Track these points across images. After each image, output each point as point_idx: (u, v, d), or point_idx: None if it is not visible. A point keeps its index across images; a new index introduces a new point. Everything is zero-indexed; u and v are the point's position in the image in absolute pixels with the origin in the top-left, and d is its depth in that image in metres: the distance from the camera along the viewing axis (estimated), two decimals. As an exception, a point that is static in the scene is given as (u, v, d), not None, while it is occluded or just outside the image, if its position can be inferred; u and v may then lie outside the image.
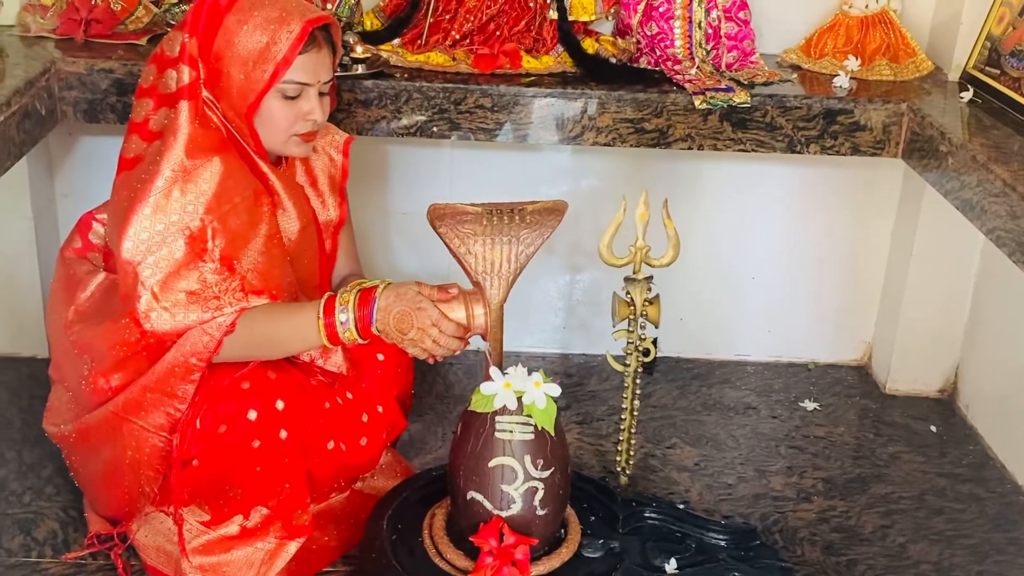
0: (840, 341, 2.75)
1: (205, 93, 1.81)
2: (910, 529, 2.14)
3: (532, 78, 2.23)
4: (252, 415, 1.79)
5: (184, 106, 1.79)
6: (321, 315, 1.79)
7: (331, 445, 1.94)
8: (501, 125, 2.19)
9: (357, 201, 2.55)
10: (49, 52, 2.16)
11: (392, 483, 2.07)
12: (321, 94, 1.88)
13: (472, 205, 1.80)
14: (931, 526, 2.16)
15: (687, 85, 2.20)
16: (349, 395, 1.98)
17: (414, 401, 2.39)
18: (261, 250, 1.81)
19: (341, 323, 1.79)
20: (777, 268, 2.69)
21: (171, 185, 1.75)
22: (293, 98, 1.84)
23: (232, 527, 1.85)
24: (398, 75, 2.20)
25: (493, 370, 1.75)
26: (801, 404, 2.57)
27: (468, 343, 1.87)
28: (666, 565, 1.82)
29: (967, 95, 2.20)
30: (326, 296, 1.81)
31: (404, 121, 2.16)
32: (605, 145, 2.22)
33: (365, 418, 1.99)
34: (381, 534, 1.86)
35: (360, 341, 1.81)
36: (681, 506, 2.00)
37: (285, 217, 1.91)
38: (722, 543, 1.90)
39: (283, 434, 1.81)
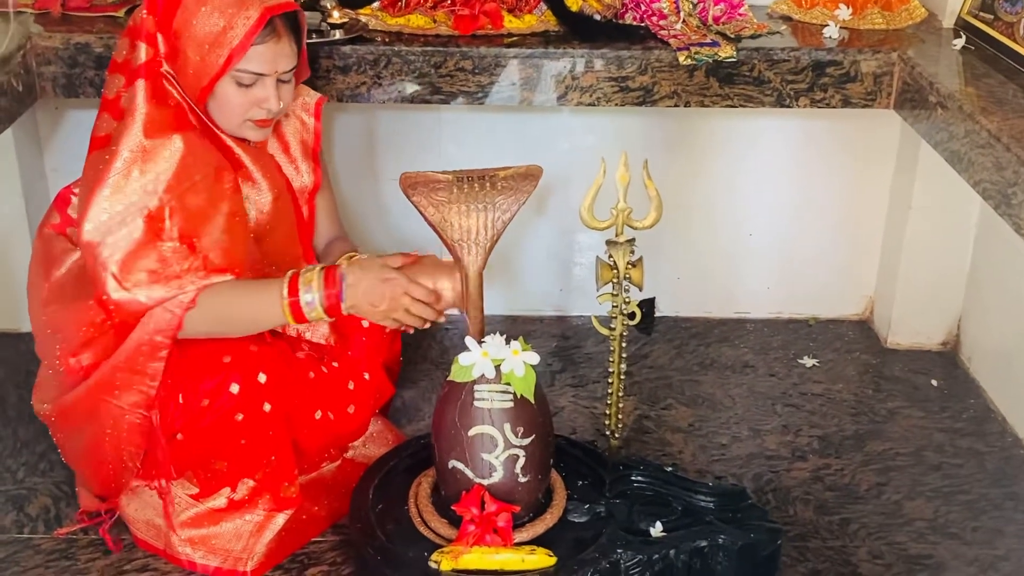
0: (841, 296, 2.72)
1: (166, 67, 1.79)
2: (906, 486, 2.12)
3: (514, 38, 2.19)
4: (234, 388, 1.79)
5: (140, 85, 1.76)
6: (285, 294, 1.78)
7: (319, 415, 1.94)
8: (483, 87, 2.16)
9: (346, 168, 2.54)
10: (26, 27, 2.15)
11: (384, 451, 2.07)
12: (281, 81, 1.85)
13: (443, 173, 1.78)
14: (928, 482, 2.14)
15: (671, 41, 2.16)
16: (335, 364, 1.98)
17: (407, 368, 2.41)
18: (223, 228, 1.79)
19: (307, 303, 1.78)
20: (775, 224, 2.65)
21: (130, 166, 1.73)
22: (248, 85, 1.81)
23: (220, 500, 1.87)
24: (378, 39, 2.17)
25: (469, 340, 1.74)
26: (800, 361, 2.54)
27: (443, 314, 1.86)
28: (652, 528, 1.81)
29: (960, 42, 2.14)
30: (289, 274, 1.80)
31: (388, 90, 2.14)
32: (590, 105, 2.18)
33: (351, 386, 1.99)
34: (367, 503, 1.87)
35: (326, 319, 1.81)
36: (669, 469, 1.99)
37: (256, 189, 1.89)
38: (710, 505, 1.89)
39: (267, 407, 1.81)
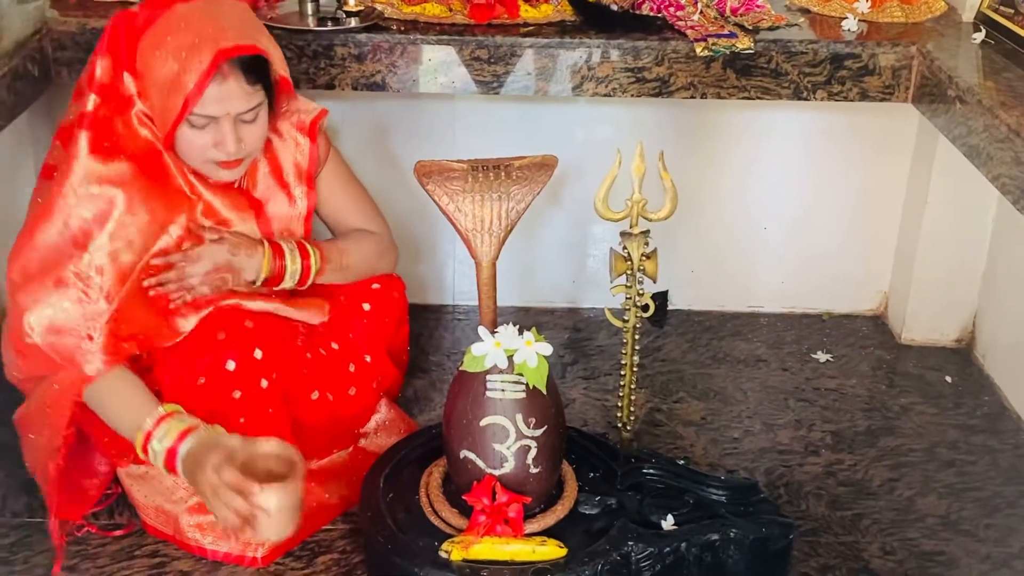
0: (855, 291, 2.70)
1: (139, 107, 1.77)
2: (919, 482, 2.11)
3: (530, 28, 2.19)
4: (231, 365, 1.79)
5: (83, 137, 1.74)
6: (143, 427, 1.71)
7: (315, 395, 1.94)
8: (499, 77, 2.15)
9: (360, 157, 2.53)
10: (42, 12, 2.15)
11: (395, 440, 2.07)
12: (243, 122, 1.79)
13: (458, 162, 1.77)
14: (941, 479, 2.12)
15: (688, 32, 2.15)
16: (335, 345, 1.97)
17: (418, 357, 2.41)
18: (142, 296, 1.78)
19: (152, 450, 1.71)
20: (790, 218, 2.64)
21: (64, 213, 1.72)
22: (202, 127, 1.77)
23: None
24: (393, 27, 2.16)
25: (482, 330, 1.73)
26: (813, 356, 2.53)
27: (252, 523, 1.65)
28: (663, 521, 1.81)
29: (979, 36, 2.13)
30: (160, 412, 1.72)
31: (403, 78, 2.14)
32: (605, 96, 2.18)
33: (352, 368, 1.99)
34: (378, 492, 1.87)
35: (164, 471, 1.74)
36: (681, 462, 1.99)
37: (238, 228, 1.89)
38: (722, 498, 1.88)
39: (264, 383, 1.81)
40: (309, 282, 1.95)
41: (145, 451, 1.72)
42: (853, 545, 1.94)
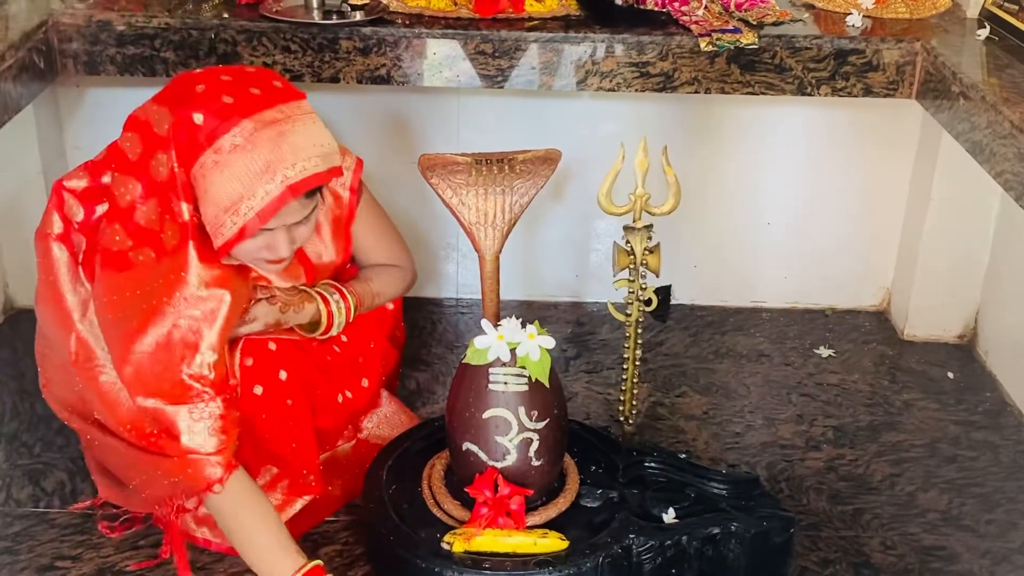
0: (858, 287, 2.71)
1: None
2: (920, 477, 2.12)
3: (535, 22, 2.19)
4: (258, 390, 1.81)
5: (191, 249, 1.67)
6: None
7: (341, 398, 1.97)
8: (503, 71, 2.15)
9: (364, 150, 2.52)
10: (48, 3, 2.15)
11: (397, 433, 2.08)
12: (296, 224, 1.74)
13: (462, 155, 1.78)
14: (942, 474, 2.13)
15: (692, 27, 2.15)
16: (344, 338, 1.98)
17: (420, 350, 2.43)
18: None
19: None
20: (793, 213, 2.64)
21: (177, 321, 1.68)
22: (257, 235, 1.70)
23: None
24: (398, 21, 2.16)
25: (485, 322, 1.74)
26: (816, 351, 2.54)
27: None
28: (664, 515, 1.81)
29: (984, 33, 2.13)
30: (311, 566, 1.70)
31: (407, 72, 2.14)
32: (610, 90, 2.18)
33: (361, 360, 2.01)
34: (381, 484, 1.88)
35: None
36: (683, 456, 1.99)
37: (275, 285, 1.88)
38: (723, 492, 1.89)
39: (289, 402, 1.83)
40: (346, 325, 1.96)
41: None
42: (854, 540, 1.94)
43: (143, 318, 1.68)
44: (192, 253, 1.68)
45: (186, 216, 1.67)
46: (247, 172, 1.61)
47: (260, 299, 1.82)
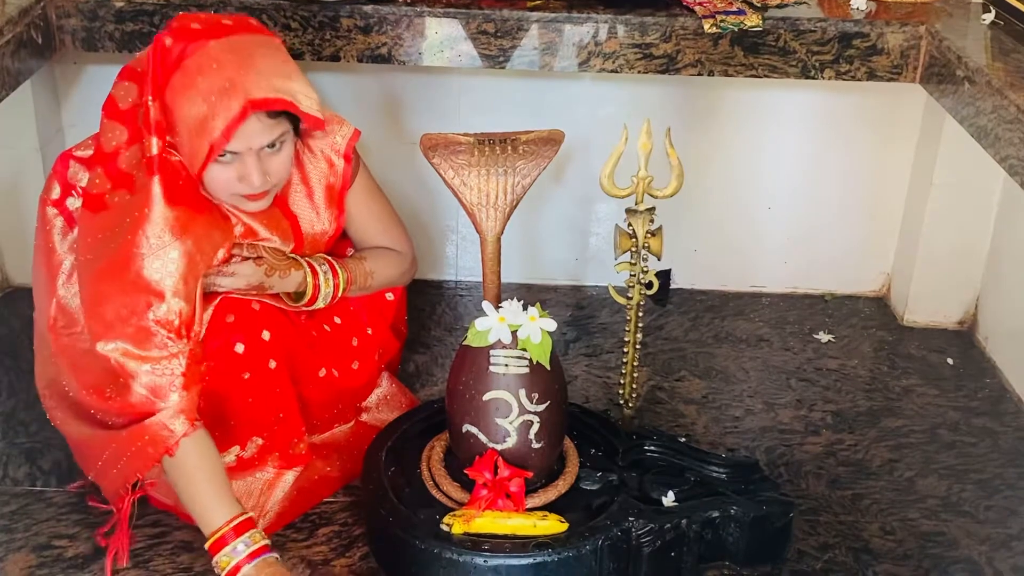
0: (858, 272, 2.70)
1: (176, 157, 1.72)
2: (919, 463, 2.11)
3: (537, 2, 2.17)
4: (239, 348, 1.79)
5: (156, 183, 1.69)
6: (216, 525, 1.69)
7: (323, 372, 1.95)
8: (504, 52, 2.14)
9: (364, 130, 2.51)
10: (46, -20, 2.13)
11: (397, 415, 2.07)
12: (268, 153, 1.74)
13: (464, 135, 1.76)
14: (941, 460, 2.13)
15: (697, 8, 2.13)
16: (337, 319, 1.97)
17: (420, 332, 2.41)
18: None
19: (221, 559, 1.68)
20: (794, 198, 2.63)
21: (140, 262, 1.68)
22: (227, 163, 1.71)
23: (229, 457, 1.86)
24: (400, 0, 2.14)
25: (486, 304, 1.73)
26: (815, 336, 2.53)
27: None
28: (664, 498, 1.81)
29: (989, 16, 2.12)
30: (242, 519, 1.70)
31: (408, 51, 2.12)
32: (612, 72, 2.17)
33: (355, 342, 1.99)
34: (380, 465, 1.87)
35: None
36: (683, 439, 1.99)
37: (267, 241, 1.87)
38: (722, 476, 1.89)
39: (272, 364, 1.81)
40: (334, 300, 1.95)
41: (212, 552, 1.69)
42: (853, 524, 1.94)
43: (112, 258, 1.70)
44: (157, 189, 1.69)
45: (154, 150, 1.69)
46: (211, 90, 1.64)
47: (248, 258, 1.82)
